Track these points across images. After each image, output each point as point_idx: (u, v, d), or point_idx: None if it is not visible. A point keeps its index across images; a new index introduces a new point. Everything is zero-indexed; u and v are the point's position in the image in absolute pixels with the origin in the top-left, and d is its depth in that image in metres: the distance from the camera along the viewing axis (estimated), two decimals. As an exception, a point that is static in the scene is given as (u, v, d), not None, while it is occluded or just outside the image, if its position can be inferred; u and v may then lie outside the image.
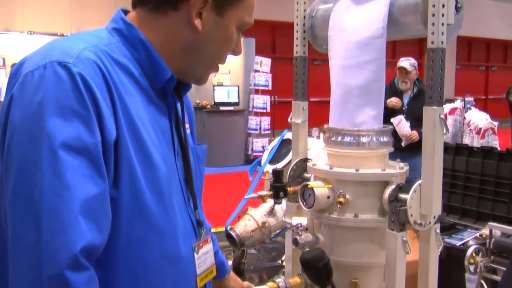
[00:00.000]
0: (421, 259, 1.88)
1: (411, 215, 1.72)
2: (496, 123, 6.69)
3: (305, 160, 2.12)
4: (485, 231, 3.54)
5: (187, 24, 1.28)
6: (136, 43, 1.24)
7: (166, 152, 1.21)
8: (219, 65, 1.40)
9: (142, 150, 1.14)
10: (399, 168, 1.88)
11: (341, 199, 1.79)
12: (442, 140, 1.73)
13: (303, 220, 1.96)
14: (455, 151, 4.31)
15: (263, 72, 11.57)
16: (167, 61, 1.27)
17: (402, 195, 1.77)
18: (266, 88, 11.62)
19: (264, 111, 11.73)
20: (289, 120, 2.19)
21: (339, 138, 1.90)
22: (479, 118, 6.66)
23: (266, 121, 11.68)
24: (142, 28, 1.26)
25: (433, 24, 1.66)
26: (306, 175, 2.09)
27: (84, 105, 1.06)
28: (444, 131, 1.72)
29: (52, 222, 1.00)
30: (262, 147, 10.71)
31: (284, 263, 4.64)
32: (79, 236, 1.01)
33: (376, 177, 1.83)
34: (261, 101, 11.60)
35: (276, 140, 4.47)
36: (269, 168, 4.11)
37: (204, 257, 1.32)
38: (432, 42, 1.68)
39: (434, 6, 1.65)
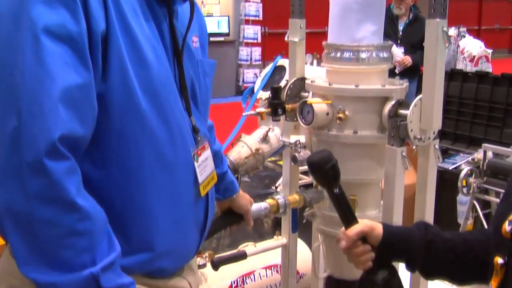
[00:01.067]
0: (419, 175, 1.89)
1: (411, 130, 1.71)
2: (490, 51, 6.65)
3: (303, 79, 2.08)
4: (477, 155, 3.56)
5: None
6: None
7: (161, 54, 1.16)
8: None
9: (134, 47, 1.10)
10: (399, 84, 1.86)
11: (341, 115, 1.77)
12: (444, 53, 1.70)
13: (301, 138, 1.95)
14: (449, 76, 4.27)
15: (253, 1, 11.31)
16: None
17: (402, 111, 1.76)
18: (257, 18, 11.39)
19: (255, 41, 11.52)
20: (286, 38, 2.14)
21: (338, 54, 1.86)
22: (473, 46, 6.61)
23: (257, 52, 11.50)
24: None
25: None
26: (303, 94, 2.06)
27: None
28: (447, 44, 1.68)
29: (31, 108, 0.97)
30: (254, 74, 10.60)
31: (278, 189, 4.70)
32: (58, 123, 0.98)
33: (376, 92, 1.81)
34: (252, 32, 11.38)
35: (269, 67, 4.42)
36: (262, 95, 4.09)
37: (204, 164, 1.30)
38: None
39: None
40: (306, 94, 2.02)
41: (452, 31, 6.70)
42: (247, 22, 11.52)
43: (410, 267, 1.29)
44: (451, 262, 1.23)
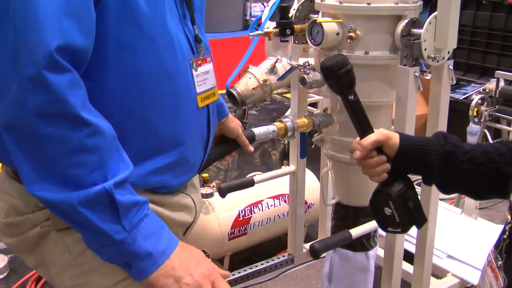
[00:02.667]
0: (432, 99, 1.84)
1: (425, 49, 1.64)
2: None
3: (312, 0, 1.99)
4: (489, 85, 3.49)
5: None
6: None
7: None
8: None
9: None
10: (412, 2, 1.77)
11: (352, 34, 1.70)
12: (463, -34, 1.60)
13: (310, 60, 1.89)
14: (462, 5, 4.13)
15: None
16: None
17: (416, 30, 1.68)
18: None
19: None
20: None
21: (350, -29, 1.76)
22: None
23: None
24: None
25: None
26: (313, 16, 1.98)
27: None
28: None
29: (26, 18, 0.91)
30: (262, 5, 10.33)
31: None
32: (56, 32, 0.92)
33: (388, 10, 1.72)
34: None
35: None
36: (270, 25, 3.98)
37: (204, 77, 1.24)
38: None
39: None
40: (316, 16, 1.94)
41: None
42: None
43: (427, 180, 1.23)
44: (470, 175, 1.17)
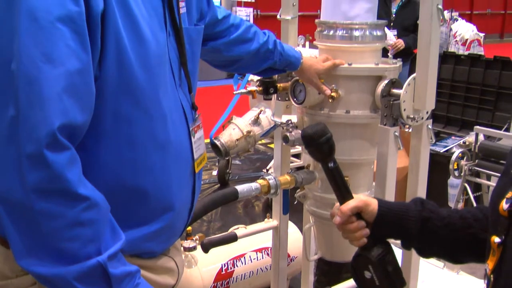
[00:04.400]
0: (412, 156, 1.87)
1: (404, 110, 1.68)
2: (482, 34, 6.62)
3: (295, 58, 2.04)
4: (469, 138, 3.56)
5: None
6: None
7: (157, 31, 1.12)
8: None
9: (132, 25, 1.05)
10: (392, 63, 1.83)
11: (334, 94, 1.74)
12: (439, 31, 1.67)
13: (293, 118, 1.92)
14: (442, 59, 4.25)
15: (245, -17, 11.22)
16: None
17: (395, 90, 1.73)
18: (249, 0, 11.30)
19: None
20: (278, 16, 2.09)
21: (331, 32, 1.82)
22: (465, 29, 6.58)
23: (248, 35, 11.45)
24: None
25: None
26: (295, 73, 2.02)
27: None
28: (441, 22, 1.65)
29: (30, 96, 0.91)
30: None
31: (269, 172, 4.68)
32: (58, 112, 0.92)
33: (369, 71, 1.77)
34: (244, 14, 11.27)
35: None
36: (253, 77, 4.04)
37: (199, 142, 1.28)
38: None
39: None
40: (298, 73, 1.99)
41: (445, 14, 6.65)
42: (239, 4, 11.42)
43: (405, 244, 1.25)
44: (447, 240, 1.19)
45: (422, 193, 1.86)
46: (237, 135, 4.05)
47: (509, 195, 0.97)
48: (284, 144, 1.86)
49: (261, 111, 4.18)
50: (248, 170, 5.20)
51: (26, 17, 0.92)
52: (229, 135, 4.05)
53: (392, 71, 1.79)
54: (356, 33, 1.80)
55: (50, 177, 0.93)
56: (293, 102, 1.85)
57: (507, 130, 3.86)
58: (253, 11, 11.73)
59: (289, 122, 1.85)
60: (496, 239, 0.98)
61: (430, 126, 1.78)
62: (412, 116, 1.69)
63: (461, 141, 3.73)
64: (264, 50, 1.72)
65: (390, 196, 1.77)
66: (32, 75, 0.92)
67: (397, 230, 1.22)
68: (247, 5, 11.39)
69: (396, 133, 1.70)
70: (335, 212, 1.25)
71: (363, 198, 1.24)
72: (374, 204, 1.22)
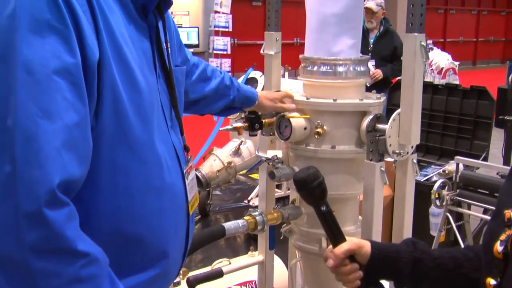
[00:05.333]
0: (397, 190, 1.88)
1: (390, 145, 1.70)
2: (457, 63, 6.74)
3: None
4: (448, 167, 3.59)
5: None
6: None
7: (148, 74, 1.11)
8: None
9: (126, 72, 1.03)
10: (376, 98, 1.84)
11: (319, 130, 1.75)
12: (423, 67, 1.69)
13: (278, 153, 1.92)
14: (420, 89, 4.30)
15: (223, 13, 11.29)
16: None
17: (380, 125, 1.74)
18: (227, 30, 11.37)
19: (225, 52, 11.49)
20: (261, 51, 2.11)
21: (315, 68, 1.84)
22: (441, 58, 6.69)
23: (226, 63, 11.47)
24: None
25: None
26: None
27: (62, 20, 0.92)
28: (424, 58, 1.67)
29: (27, 153, 0.88)
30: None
31: (250, 203, 4.66)
32: (58, 168, 0.90)
33: (354, 107, 1.79)
34: (222, 43, 11.35)
35: (241, 79, 4.39)
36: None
37: (192, 183, 1.27)
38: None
39: None
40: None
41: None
42: (216, 33, 11.49)
43: (398, 285, 1.25)
44: (439, 280, 1.20)
45: (408, 225, 1.87)
46: (218, 166, 4.04)
47: (503, 237, 0.97)
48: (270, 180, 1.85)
49: (241, 142, 4.19)
50: (229, 200, 5.17)
51: (22, 70, 0.89)
52: (210, 167, 4.03)
53: (377, 106, 1.80)
54: (340, 69, 1.82)
55: (49, 236, 0.90)
56: (278, 138, 1.85)
57: (485, 158, 3.92)
58: (230, 40, 11.81)
59: (275, 157, 1.84)
60: (492, 281, 0.98)
61: (415, 161, 1.80)
62: (397, 151, 1.71)
63: (441, 169, 3.77)
64: (223, 86, 1.76)
65: (377, 230, 1.77)
66: (30, 131, 0.89)
67: (389, 271, 1.23)
68: (224, 34, 11.47)
69: (382, 168, 1.71)
70: (328, 255, 1.25)
71: (355, 240, 1.24)
72: (367, 246, 1.23)
